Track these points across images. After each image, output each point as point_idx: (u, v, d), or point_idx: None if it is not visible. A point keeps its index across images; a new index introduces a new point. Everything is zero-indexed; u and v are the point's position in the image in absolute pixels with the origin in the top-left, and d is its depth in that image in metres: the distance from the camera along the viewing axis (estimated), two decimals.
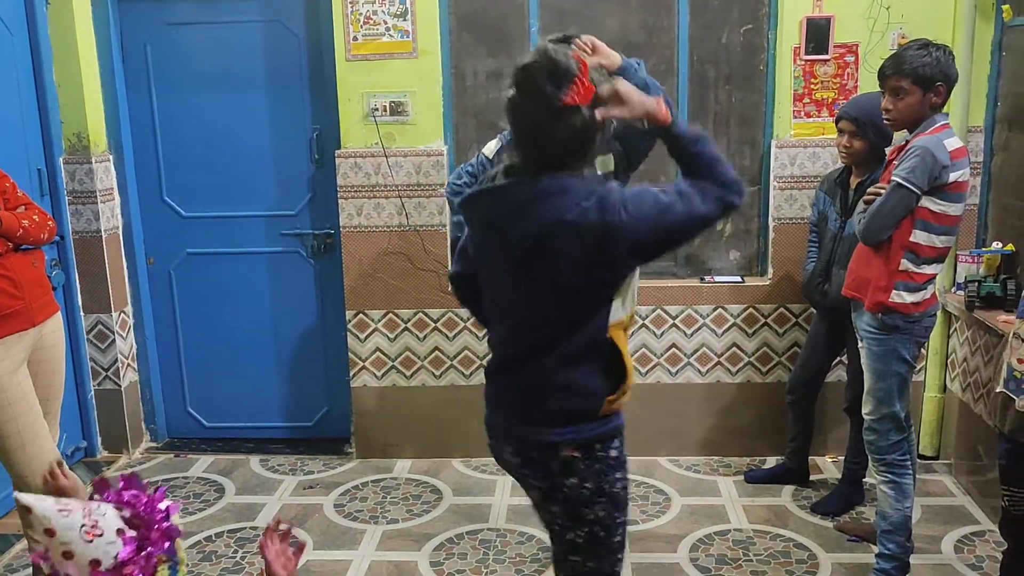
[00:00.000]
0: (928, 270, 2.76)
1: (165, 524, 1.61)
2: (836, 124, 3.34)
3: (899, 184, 2.68)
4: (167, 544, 1.59)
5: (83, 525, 1.51)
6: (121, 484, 1.63)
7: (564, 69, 1.78)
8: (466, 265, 2.11)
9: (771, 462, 3.98)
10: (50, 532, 1.49)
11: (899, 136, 2.94)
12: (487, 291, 2.05)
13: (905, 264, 2.75)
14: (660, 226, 1.82)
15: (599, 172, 2.76)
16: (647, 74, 2.80)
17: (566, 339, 1.89)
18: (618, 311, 1.95)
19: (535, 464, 1.97)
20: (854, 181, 3.31)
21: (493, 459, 2.12)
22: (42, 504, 1.50)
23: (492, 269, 2.00)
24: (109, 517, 1.54)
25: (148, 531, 1.58)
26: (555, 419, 1.91)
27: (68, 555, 1.49)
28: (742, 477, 3.86)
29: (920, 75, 2.68)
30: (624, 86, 1.89)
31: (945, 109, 3.59)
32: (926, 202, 2.69)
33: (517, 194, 1.86)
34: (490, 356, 2.07)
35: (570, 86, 1.77)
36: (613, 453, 1.97)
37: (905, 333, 2.80)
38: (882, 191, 2.74)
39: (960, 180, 2.70)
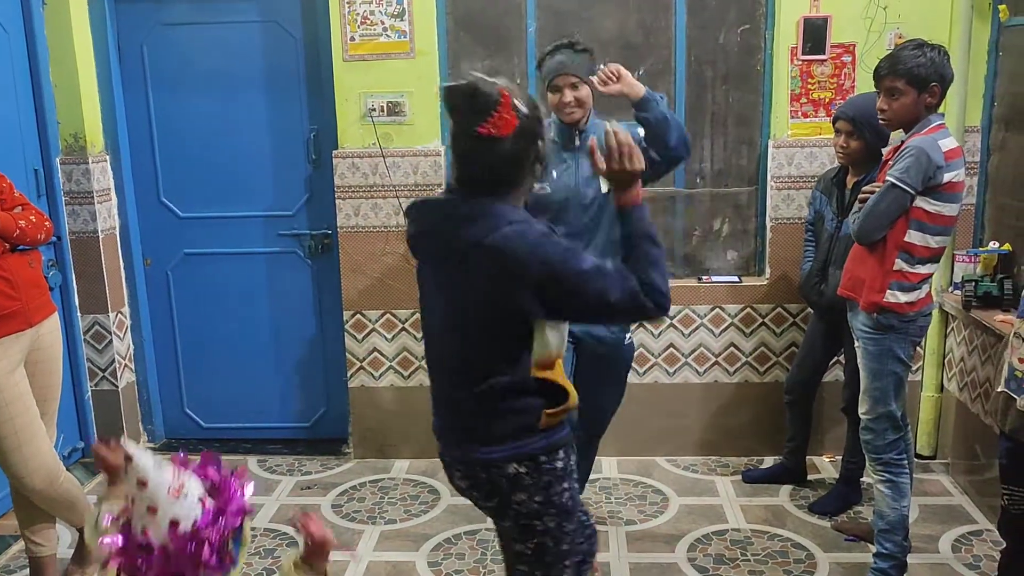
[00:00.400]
0: (923, 270, 2.76)
1: (241, 500, 1.64)
2: (833, 124, 3.34)
3: (893, 184, 2.68)
4: (239, 519, 1.62)
5: (170, 485, 1.54)
6: (200, 459, 1.70)
7: (483, 98, 1.80)
8: None
9: (769, 462, 3.98)
10: (143, 484, 1.52)
11: (896, 136, 2.94)
12: (424, 309, 2.05)
13: (899, 264, 2.75)
14: (565, 281, 1.81)
15: (604, 191, 2.83)
16: (667, 108, 2.84)
17: (492, 373, 1.90)
18: (542, 351, 1.93)
19: (483, 484, 1.98)
20: (851, 181, 3.31)
21: None
22: (141, 455, 1.53)
23: (425, 284, 2.03)
24: (193, 483, 1.59)
25: (226, 504, 1.61)
26: (498, 439, 1.93)
27: (152, 510, 1.52)
28: (740, 477, 3.86)
29: (915, 75, 2.68)
30: (618, 137, 1.92)
31: (941, 109, 3.61)
32: (921, 202, 2.69)
33: (447, 210, 1.93)
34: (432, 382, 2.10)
35: (488, 117, 1.79)
36: (559, 464, 1.98)
37: (900, 332, 2.81)
38: (876, 191, 2.74)
39: (955, 180, 2.70)
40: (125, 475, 1.53)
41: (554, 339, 1.95)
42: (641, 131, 2.84)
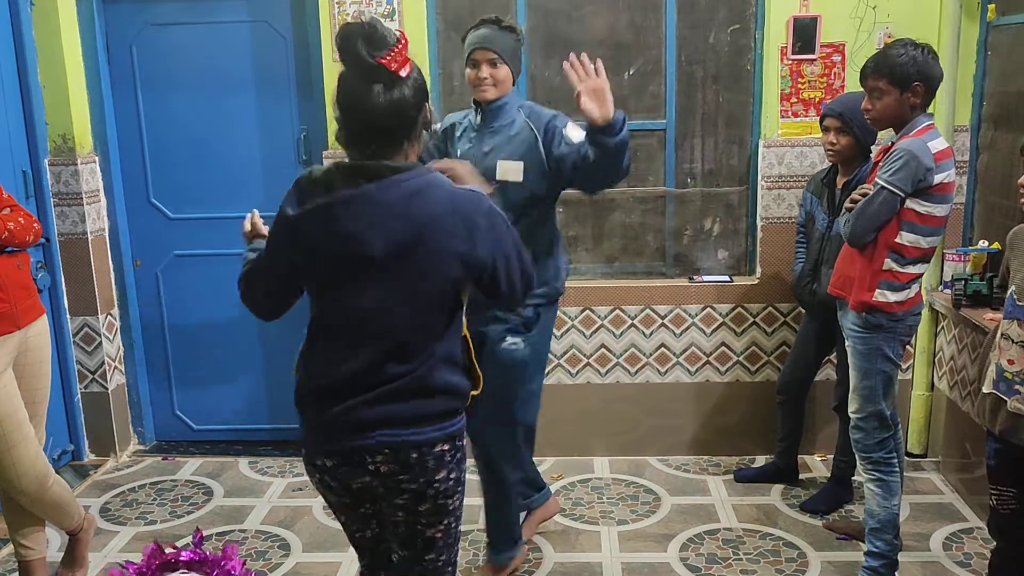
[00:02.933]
0: (913, 270, 2.77)
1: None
2: (821, 123, 3.34)
3: (883, 187, 2.69)
4: None
5: None
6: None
7: (383, 33, 1.79)
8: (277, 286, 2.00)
9: (760, 461, 3.99)
10: None
11: (884, 136, 2.95)
12: (324, 309, 1.94)
13: (889, 264, 2.76)
14: (505, 241, 1.91)
15: (497, 178, 2.75)
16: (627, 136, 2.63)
17: (441, 340, 1.91)
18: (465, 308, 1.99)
19: (411, 466, 1.92)
20: (841, 181, 3.32)
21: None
22: None
23: (336, 283, 1.88)
24: None
25: None
26: (435, 418, 1.92)
27: None
28: (732, 476, 3.86)
29: (896, 75, 2.68)
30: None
31: (931, 109, 3.62)
32: (912, 204, 2.70)
33: (392, 195, 1.80)
34: (317, 381, 1.94)
35: (388, 50, 1.77)
36: (465, 443, 2.03)
37: (889, 332, 2.81)
38: (867, 193, 2.75)
39: (945, 182, 2.70)
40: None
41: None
42: (581, 134, 2.67)
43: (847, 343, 2.93)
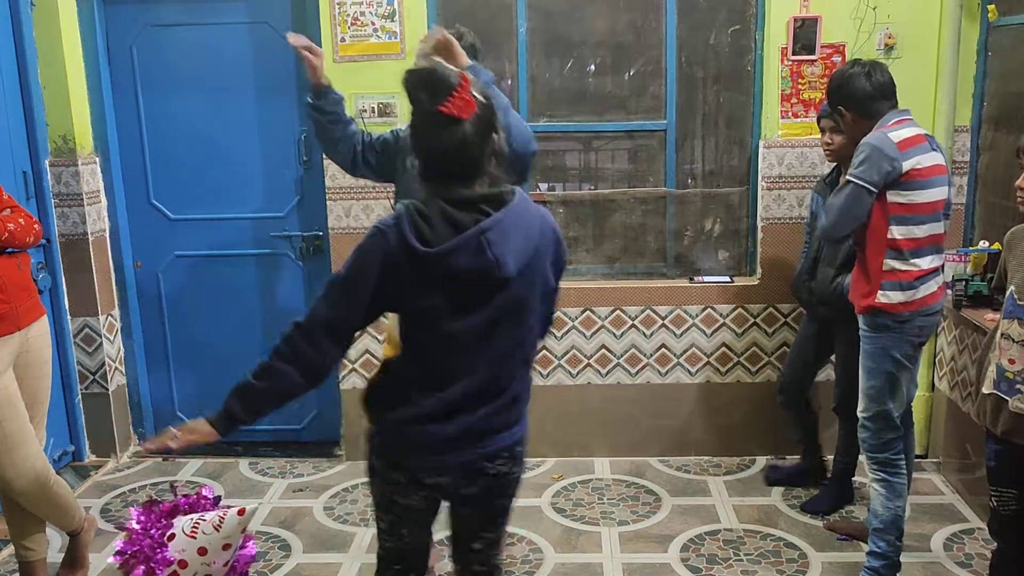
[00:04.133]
0: (919, 264, 2.74)
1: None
2: (818, 124, 3.36)
3: (848, 180, 2.73)
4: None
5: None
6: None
7: (443, 79, 1.86)
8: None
9: (761, 462, 3.99)
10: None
11: None
12: (449, 344, 1.93)
13: (889, 263, 2.75)
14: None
15: None
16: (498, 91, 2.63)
17: (533, 349, 2.08)
18: None
19: (516, 460, 2.09)
20: (842, 180, 3.32)
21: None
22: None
23: (465, 315, 1.91)
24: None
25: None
26: (522, 415, 2.10)
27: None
28: (732, 477, 3.86)
29: (840, 111, 2.92)
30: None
31: (931, 110, 3.64)
32: (891, 196, 2.71)
33: (512, 220, 1.89)
34: (432, 403, 1.95)
35: (448, 97, 1.83)
36: None
37: (896, 333, 2.80)
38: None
39: (920, 167, 2.70)
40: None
41: None
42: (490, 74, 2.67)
43: (860, 345, 2.91)
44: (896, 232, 2.72)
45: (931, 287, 2.79)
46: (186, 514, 2.10)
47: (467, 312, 1.90)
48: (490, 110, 1.91)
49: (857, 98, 2.83)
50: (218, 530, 1.85)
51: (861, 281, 2.84)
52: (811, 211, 3.53)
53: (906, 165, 2.67)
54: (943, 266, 2.88)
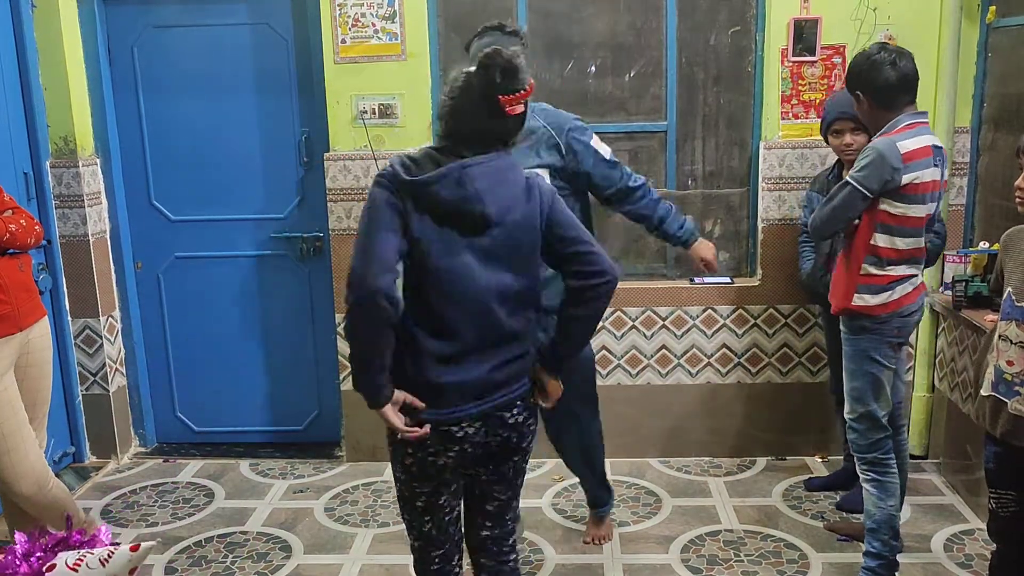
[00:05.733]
0: (895, 271, 2.74)
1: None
2: (830, 128, 3.25)
3: (846, 182, 2.70)
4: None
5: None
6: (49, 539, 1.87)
7: (522, 76, 1.99)
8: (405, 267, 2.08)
9: (762, 463, 3.99)
10: None
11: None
12: (441, 280, 2.02)
13: (866, 267, 2.75)
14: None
15: None
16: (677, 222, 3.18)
17: (537, 295, 2.16)
18: None
19: (533, 410, 2.22)
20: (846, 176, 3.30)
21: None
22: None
23: (452, 252, 2.02)
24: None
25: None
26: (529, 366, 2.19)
27: None
28: (733, 478, 3.86)
29: (848, 82, 2.83)
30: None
31: (931, 111, 3.63)
32: (883, 205, 2.68)
33: (495, 166, 2.02)
34: (447, 347, 2.05)
35: (515, 92, 1.98)
36: None
37: (874, 334, 2.79)
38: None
39: (917, 182, 2.66)
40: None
41: None
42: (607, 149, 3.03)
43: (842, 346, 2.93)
44: (879, 240, 2.72)
45: (906, 289, 2.78)
46: (74, 549, 2.03)
47: (456, 250, 2.02)
48: (526, 116, 2.06)
49: (878, 86, 2.72)
50: (104, 565, 1.73)
51: (840, 282, 2.84)
52: (809, 211, 3.50)
53: (905, 178, 2.64)
54: (922, 271, 2.86)
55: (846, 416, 2.93)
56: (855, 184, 2.68)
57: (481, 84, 1.97)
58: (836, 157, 3.38)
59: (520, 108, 2.00)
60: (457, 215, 1.99)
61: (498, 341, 2.08)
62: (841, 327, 2.89)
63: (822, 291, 3.41)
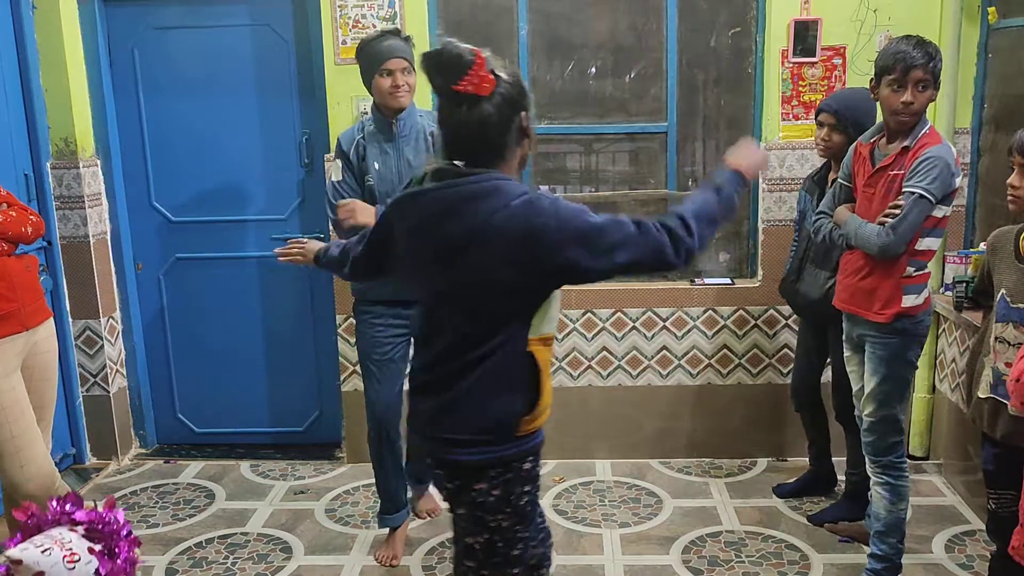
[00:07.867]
0: (927, 270, 2.81)
1: (128, 533, 1.73)
2: (816, 117, 3.28)
3: (921, 196, 2.62)
4: (132, 547, 1.72)
5: (64, 556, 1.62)
6: (59, 507, 1.75)
7: (455, 58, 1.80)
8: (370, 254, 2.16)
9: (762, 464, 3.99)
10: (41, 575, 1.61)
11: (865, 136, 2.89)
12: (420, 306, 2.04)
13: (908, 270, 2.75)
14: (589, 241, 1.81)
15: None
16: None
17: (488, 354, 1.86)
18: (540, 326, 1.91)
19: (447, 464, 1.97)
20: (832, 178, 3.28)
21: None
22: (28, 553, 1.61)
23: (420, 281, 1.97)
24: (75, 540, 1.67)
25: (112, 540, 1.70)
26: (472, 442, 1.90)
27: None
28: (734, 479, 3.86)
29: (936, 73, 2.67)
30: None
31: (932, 111, 3.63)
32: (936, 211, 2.69)
33: (446, 196, 1.85)
34: (415, 371, 2.04)
35: (462, 75, 1.79)
36: (527, 466, 1.95)
37: (912, 335, 2.80)
38: (900, 206, 2.65)
39: (960, 184, 2.74)
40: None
41: (552, 315, 1.94)
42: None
43: (867, 349, 2.86)
44: (924, 244, 2.73)
45: (930, 285, 2.86)
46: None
47: (416, 275, 1.98)
48: (516, 87, 1.86)
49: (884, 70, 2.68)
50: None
51: (880, 289, 2.77)
52: (799, 210, 3.50)
53: (958, 182, 2.70)
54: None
55: (865, 418, 2.88)
56: (929, 197, 2.62)
57: (435, 91, 1.87)
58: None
59: (486, 83, 1.81)
60: (412, 244, 2.00)
61: (440, 389, 1.98)
62: (871, 332, 2.81)
63: (791, 298, 3.44)
